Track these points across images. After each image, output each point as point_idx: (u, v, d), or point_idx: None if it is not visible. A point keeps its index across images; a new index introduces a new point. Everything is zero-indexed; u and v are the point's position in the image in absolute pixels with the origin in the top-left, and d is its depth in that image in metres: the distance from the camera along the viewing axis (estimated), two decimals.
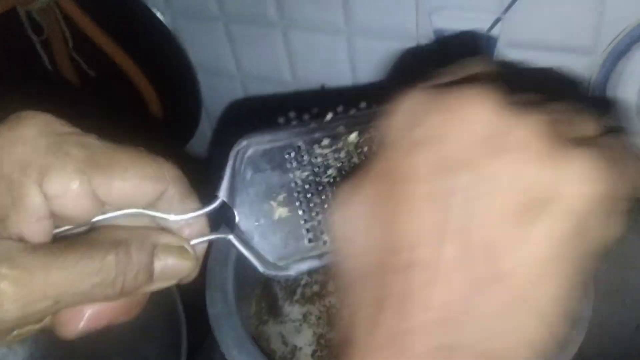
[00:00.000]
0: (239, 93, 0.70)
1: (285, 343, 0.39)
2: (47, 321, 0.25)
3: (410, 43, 0.54)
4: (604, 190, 0.19)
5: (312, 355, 0.38)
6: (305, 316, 0.40)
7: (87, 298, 0.23)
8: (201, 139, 0.78)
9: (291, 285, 0.42)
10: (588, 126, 0.21)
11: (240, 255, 0.39)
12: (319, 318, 0.40)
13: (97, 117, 0.27)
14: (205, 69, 0.71)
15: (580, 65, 0.49)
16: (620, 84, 0.48)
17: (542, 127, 0.19)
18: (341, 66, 0.60)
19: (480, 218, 0.19)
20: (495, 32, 0.49)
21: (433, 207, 0.19)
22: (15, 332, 0.25)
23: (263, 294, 0.42)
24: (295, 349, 0.39)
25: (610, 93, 0.49)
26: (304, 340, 0.39)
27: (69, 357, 0.59)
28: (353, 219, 0.21)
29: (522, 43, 0.49)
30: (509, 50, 0.50)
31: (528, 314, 0.19)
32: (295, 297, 0.41)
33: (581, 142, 0.20)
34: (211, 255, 0.39)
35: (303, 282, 0.42)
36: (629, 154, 0.21)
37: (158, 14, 0.68)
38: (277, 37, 0.62)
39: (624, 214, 0.21)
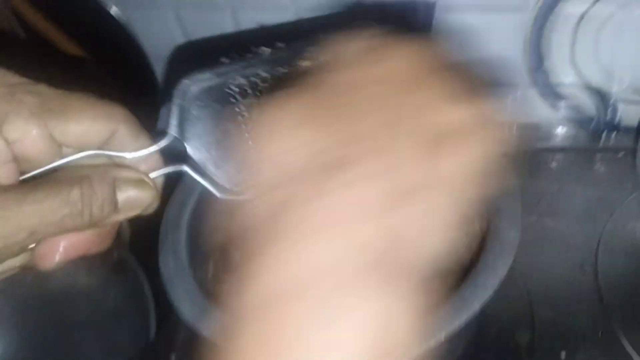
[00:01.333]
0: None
1: None
2: (26, 257, 0.27)
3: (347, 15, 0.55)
4: (491, 135, 0.22)
5: None
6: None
7: (60, 228, 0.25)
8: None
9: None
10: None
11: (195, 216, 0.40)
12: None
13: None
14: (158, 57, 0.71)
15: (514, 23, 0.51)
16: (552, 39, 0.50)
17: (456, 78, 0.23)
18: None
19: (400, 137, 0.21)
20: None
21: (364, 120, 0.22)
22: None
23: (220, 257, 0.43)
24: None
25: (543, 48, 0.51)
26: None
27: (41, 346, 0.60)
28: (286, 123, 0.22)
29: (458, 6, 0.51)
30: (447, 14, 0.52)
31: (433, 225, 0.21)
32: None
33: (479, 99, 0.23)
34: (163, 222, 0.40)
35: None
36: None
37: (109, 7, 0.68)
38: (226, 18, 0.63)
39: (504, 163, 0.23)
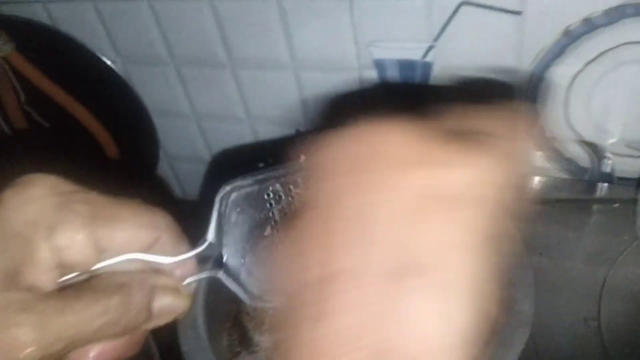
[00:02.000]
0: (194, 132, 0.72)
1: None
2: None
3: (353, 73, 0.57)
4: (497, 180, 0.22)
5: None
6: (275, 345, 0.42)
7: (96, 337, 0.25)
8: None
9: (260, 316, 0.44)
10: (489, 125, 0.24)
11: (211, 293, 0.41)
12: None
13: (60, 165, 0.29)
14: (159, 112, 0.72)
15: (509, 82, 0.53)
16: (546, 97, 0.52)
17: (437, 139, 0.23)
18: (291, 98, 0.63)
19: (391, 222, 0.21)
20: (429, 58, 0.53)
21: (356, 224, 0.22)
22: None
23: (233, 328, 0.44)
24: None
25: (540, 105, 0.53)
26: None
27: None
28: (298, 250, 0.23)
29: (453, 67, 0.53)
30: (443, 73, 0.54)
31: (448, 299, 0.21)
32: (265, 327, 0.43)
33: (478, 143, 0.23)
34: None
35: (271, 312, 0.44)
36: (520, 151, 0.25)
37: (109, 62, 0.69)
38: (227, 76, 0.64)
39: (516, 201, 0.23)
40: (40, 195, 0.25)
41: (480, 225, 0.22)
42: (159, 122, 0.74)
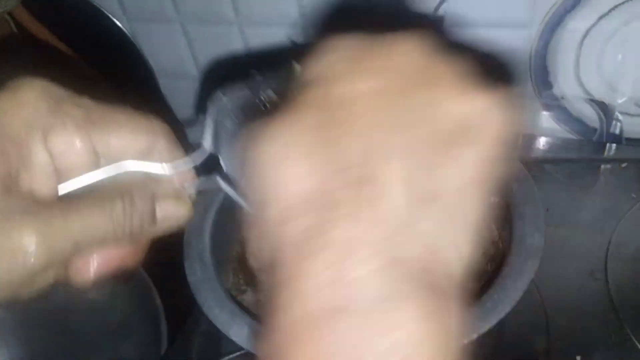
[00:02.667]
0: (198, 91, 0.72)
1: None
2: (60, 270, 0.27)
3: None
4: (509, 125, 0.21)
5: None
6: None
7: (101, 242, 0.25)
8: None
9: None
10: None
11: (217, 234, 0.41)
12: None
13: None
14: (165, 71, 0.72)
15: (520, 38, 0.52)
16: (557, 53, 0.52)
17: (464, 69, 0.22)
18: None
19: (417, 141, 0.20)
20: (441, 11, 0.53)
21: (376, 130, 0.20)
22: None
23: (239, 268, 0.44)
24: None
25: (548, 62, 0.53)
26: None
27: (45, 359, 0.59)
28: (290, 149, 0.21)
29: (465, 21, 0.53)
30: (454, 29, 0.54)
31: (459, 230, 0.20)
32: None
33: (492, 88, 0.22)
34: (187, 229, 0.40)
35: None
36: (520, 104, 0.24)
37: (115, 20, 0.69)
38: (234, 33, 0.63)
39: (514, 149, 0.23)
40: (33, 98, 0.25)
41: (489, 159, 0.21)
42: (164, 83, 0.73)
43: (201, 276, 0.37)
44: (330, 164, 0.20)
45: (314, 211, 0.19)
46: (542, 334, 0.44)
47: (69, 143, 0.25)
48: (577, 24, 0.50)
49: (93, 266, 0.26)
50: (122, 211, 0.25)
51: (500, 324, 0.40)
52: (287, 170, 0.20)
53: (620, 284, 0.46)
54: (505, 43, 0.52)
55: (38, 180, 0.25)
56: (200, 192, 0.29)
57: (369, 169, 0.19)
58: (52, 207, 0.24)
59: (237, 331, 0.34)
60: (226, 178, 0.29)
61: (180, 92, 0.73)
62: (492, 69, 0.24)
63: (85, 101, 0.26)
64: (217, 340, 0.47)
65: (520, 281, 0.32)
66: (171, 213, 0.27)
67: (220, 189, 0.28)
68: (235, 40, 0.64)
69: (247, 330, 0.34)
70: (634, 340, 0.42)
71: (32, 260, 0.23)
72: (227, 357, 0.45)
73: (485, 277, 0.36)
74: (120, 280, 0.58)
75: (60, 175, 0.26)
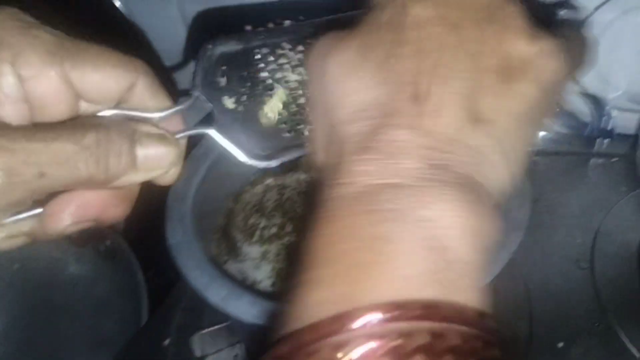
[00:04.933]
0: None
1: (245, 278, 0.40)
2: (34, 222, 0.25)
3: None
4: (564, 68, 0.23)
5: (272, 286, 0.39)
6: (263, 254, 0.41)
7: (72, 176, 0.23)
8: None
9: (249, 229, 0.43)
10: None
11: (201, 193, 0.40)
12: (277, 255, 0.41)
13: None
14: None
15: None
16: None
17: (525, 12, 0.23)
18: None
19: (480, 69, 0.22)
20: None
21: (443, 52, 0.22)
22: (4, 233, 0.25)
23: (222, 238, 0.43)
24: (255, 283, 0.40)
25: None
26: (263, 274, 0.40)
27: (26, 333, 0.58)
28: (362, 61, 0.22)
29: None
30: None
31: (504, 156, 0.22)
32: (254, 239, 0.42)
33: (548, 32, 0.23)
34: (170, 194, 0.39)
35: (261, 225, 0.43)
36: (579, 46, 0.26)
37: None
38: None
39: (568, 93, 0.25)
40: (2, 19, 0.24)
41: (544, 98, 0.22)
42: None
43: (182, 239, 0.36)
44: (396, 77, 0.21)
45: (375, 117, 0.21)
46: (525, 320, 0.44)
47: (40, 68, 0.23)
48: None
49: (69, 211, 0.25)
50: (95, 142, 0.23)
51: None
52: (357, 80, 0.22)
53: (605, 273, 0.45)
54: None
55: (6, 105, 0.23)
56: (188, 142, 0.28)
57: (432, 87, 0.21)
58: (16, 130, 0.23)
59: (215, 293, 0.33)
60: (218, 128, 0.27)
61: (168, 43, 0.71)
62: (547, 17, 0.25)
63: (58, 31, 0.24)
64: (198, 313, 0.47)
65: (503, 252, 0.32)
66: (155, 155, 0.25)
67: (206, 140, 0.28)
68: None
69: (226, 292, 0.33)
70: (617, 328, 0.42)
71: None
72: (207, 330, 0.44)
73: None
74: (103, 256, 0.58)
75: (34, 109, 0.24)
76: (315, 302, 0.19)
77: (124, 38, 0.71)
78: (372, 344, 0.17)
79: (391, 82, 0.22)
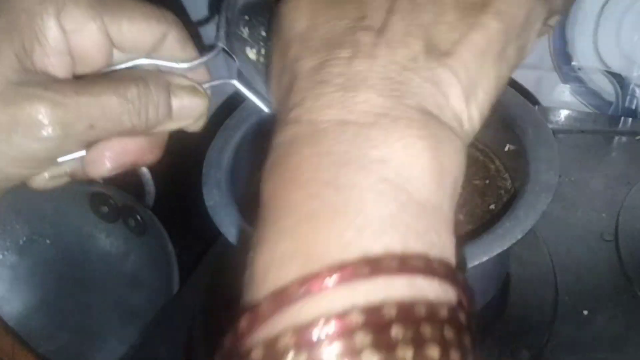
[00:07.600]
0: None
1: None
2: (76, 163, 0.27)
3: None
4: (532, 2, 0.23)
5: None
6: None
7: (117, 127, 0.25)
8: None
9: None
10: None
11: (233, 161, 0.42)
12: None
13: None
14: None
15: None
16: (576, 24, 0.53)
17: None
18: None
19: (441, 5, 0.22)
20: None
21: None
22: (48, 174, 0.27)
23: (256, 205, 0.44)
24: None
25: (567, 32, 0.54)
26: None
27: (58, 307, 0.60)
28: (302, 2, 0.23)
29: None
30: None
31: (459, 91, 0.21)
32: None
33: None
34: (205, 161, 0.41)
35: None
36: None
37: None
38: None
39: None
40: None
41: (508, 36, 0.22)
42: None
43: (219, 201, 0.37)
44: (354, 11, 0.22)
45: (330, 50, 0.21)
46: (550, 289, 0.44)
47: (82, 22, 0.25)
48: None
49: (109, 157, 0.27)
50: (137, 95, 0.25)
51: (506, 256, 0.41)
52: (313, 13, 0.22)
53: (629, 245, 0.46)
54: None
55: (52, 58, 0.24)
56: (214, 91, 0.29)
57: (391, 19, 0.21)
58: (66, 85, 0.24)
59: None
60: (242, 79, 0.28)
61: None
62: None
63: None
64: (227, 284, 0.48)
65: (533, 211, 0.33)
66: (188, 105, 0.27)
67: (238, 111, 0.28)
68: None
69: None
70: None
71: (45, 134, 0.23)
72: None
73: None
74: (133, 231, 0.59)
75: (75, 61, 0.26)
76: (264, 268, 0.18)
77: None
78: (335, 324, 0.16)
79: (349, 16, 0.22)
